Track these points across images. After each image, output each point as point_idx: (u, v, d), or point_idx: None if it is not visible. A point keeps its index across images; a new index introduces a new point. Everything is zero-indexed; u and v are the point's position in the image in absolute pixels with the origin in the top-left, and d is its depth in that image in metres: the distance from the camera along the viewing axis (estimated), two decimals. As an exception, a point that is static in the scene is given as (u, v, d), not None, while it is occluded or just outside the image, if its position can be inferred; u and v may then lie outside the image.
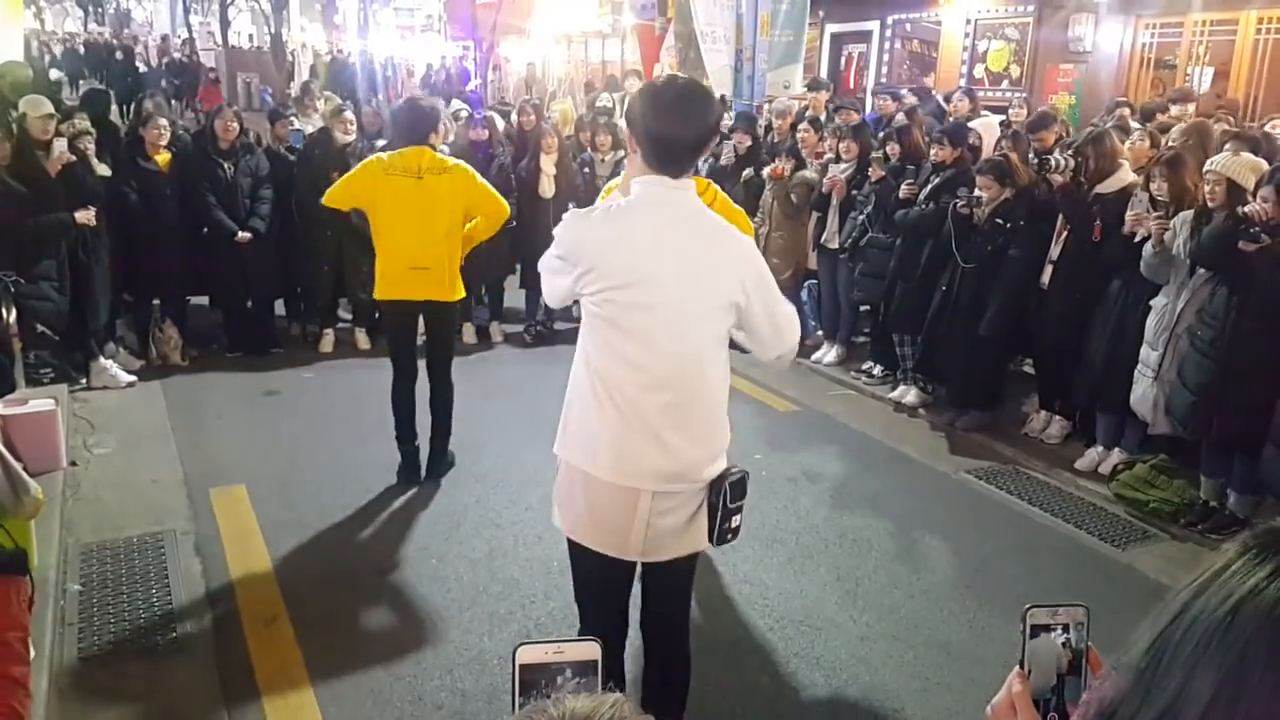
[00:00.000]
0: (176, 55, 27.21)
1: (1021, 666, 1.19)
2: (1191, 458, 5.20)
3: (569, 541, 2.83)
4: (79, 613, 4.03)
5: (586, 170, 8.19)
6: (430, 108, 5.21)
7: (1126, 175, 5.55)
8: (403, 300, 5.10)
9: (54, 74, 9.01)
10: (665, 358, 2.55)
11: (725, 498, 2.62)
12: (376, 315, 8.09)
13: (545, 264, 2.72)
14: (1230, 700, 0.74)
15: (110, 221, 6.64)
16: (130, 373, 6.83)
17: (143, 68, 26.13)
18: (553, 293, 2.78)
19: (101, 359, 6.73)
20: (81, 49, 29.59)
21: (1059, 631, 1.20)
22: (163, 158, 7.02)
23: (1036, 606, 1.21)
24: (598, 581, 2.85)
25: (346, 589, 4.30)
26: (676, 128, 2.51)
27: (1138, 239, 5.20)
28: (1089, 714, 0.92)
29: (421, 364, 5.32)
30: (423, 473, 5.37)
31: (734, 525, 2.69)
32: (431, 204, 4.93)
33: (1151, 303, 5.19)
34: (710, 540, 2.68)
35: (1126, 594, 4.35)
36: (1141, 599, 4.28)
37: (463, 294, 5.28)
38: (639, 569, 2.85)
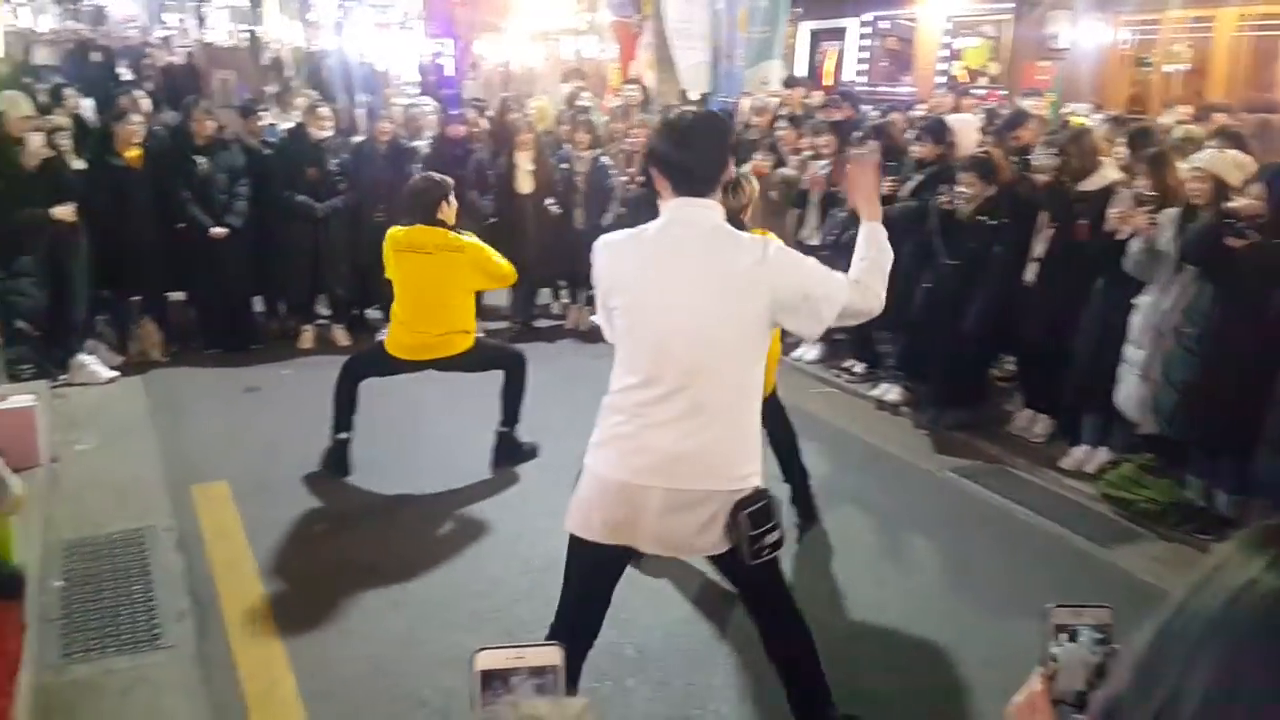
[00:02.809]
0: (174, 59, 24.79)
1: (1043, 666, 1.17)
2: (1179, 457, 5.11)
3: (571, 539, 2.96)
4: (60, 609, 3.99)
5: (565, 166, 8.17)
6: (437, 183, 5.31)
7: (1109, 173, 5.55)
8: (410, 360, 5.32)
9: (68, 94, 8.90)
10: (678, 368, 2.70)
11: (745, 529, 2.72)
12: (354, 311, 8.08)
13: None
14: (1228, 689, 0.75)
15: (88, 217, 6.57)
16: (110, 368, 6.77)
17: (125, 74, 23.68)
18: (602, 325, 2.97)
19: (81, 355, 6.67)
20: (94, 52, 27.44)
21: (1086, 633, 1.18)
22: (133, 154, 6.94)
23: (1060, 606, 1.19)
24: (589, 578, 3.01)
25: (329, 585, 4.27)
26: (687, 155, 2.73)
27: (1121, 236, 5.20)
28: (1096, 711, 0.93)
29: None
30: (351, 469, 5.43)
31: (768, 542, 2.77)
32: (443, 280, 5.15)
33: (1136, 300, 5.16)
34: (745, 560, 2.77)
35: (1113, 593, 4.34)
36: (1129, 598, 4.29)
37: (471, 343, 5.39)
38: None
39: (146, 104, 8.32)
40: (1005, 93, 10.66)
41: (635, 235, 2.82)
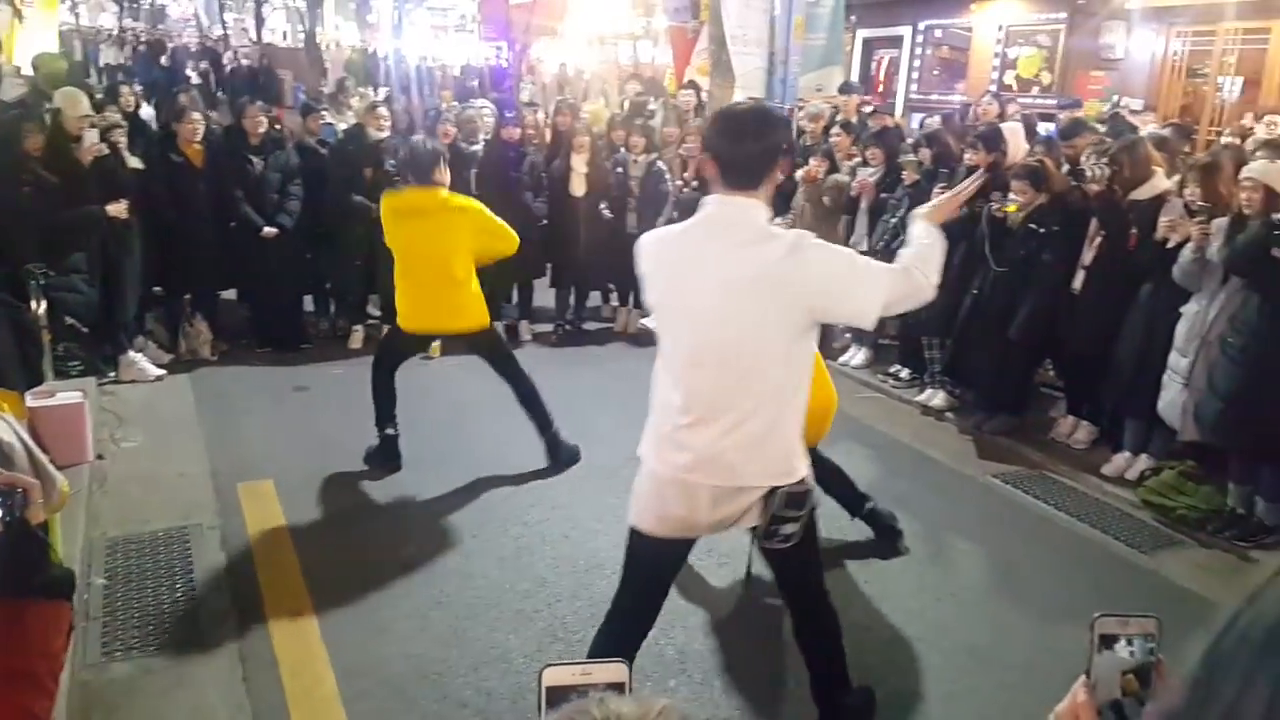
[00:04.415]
0: (245, 61, 22.74)
1: (1088, 676, 1.16)
2: (1220, 464, 5.13)
3: (631, 531, 3.03)
4: (103, 607, 4.04)
5: (619, 170, 8.19)
6: (430, 149, 5.32)
7: (1161, 182, 5.50)
8: (423, 333, 5.38)
9: (125, 91, 9.13)
10: (707, 370, 2.74)
11: (776, 505, 2.81)
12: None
13: None
14: None
15: (142, 215, 6.67)
16: (159, 366, 6.87)
17: (195, 77, 21.32)
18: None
19: (130, 352, 6.77)
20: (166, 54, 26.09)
21: (1125, 643, 1.17)
22: (194, 151, 7.06)
23: (1106, 615, 1.17)
24: (651, 568, 3.08)
25: (373, 584, 4.30)
26: (732, 146, 2.72)
27: (1170, 245, 5.15)
28: None
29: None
30: (398, 463, 5.49)
31: (784, 533, 2.87)
32: (445, 242, 5.13)
33: (1183, 309, 5.16)
34: (759, 537, 2.90)
35: (1154, 600, 4.31)
36: (1170, 605, 4.25)
37: (487, 321, 5.42)
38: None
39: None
40: (1054, 101, 10.55)
41: (670, 234, 2.89)
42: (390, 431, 5.46)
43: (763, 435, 2.76)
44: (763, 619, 4.13)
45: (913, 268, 2.77)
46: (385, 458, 5.46)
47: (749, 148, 2.71)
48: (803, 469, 2.87)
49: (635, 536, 3.01)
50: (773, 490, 2.81)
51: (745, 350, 2.70)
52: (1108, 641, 1.16)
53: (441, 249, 5.13)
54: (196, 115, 7.18)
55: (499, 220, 5.29)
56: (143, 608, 4.05)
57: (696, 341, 2.75)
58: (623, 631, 3.13)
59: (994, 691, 3.71)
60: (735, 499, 2.84)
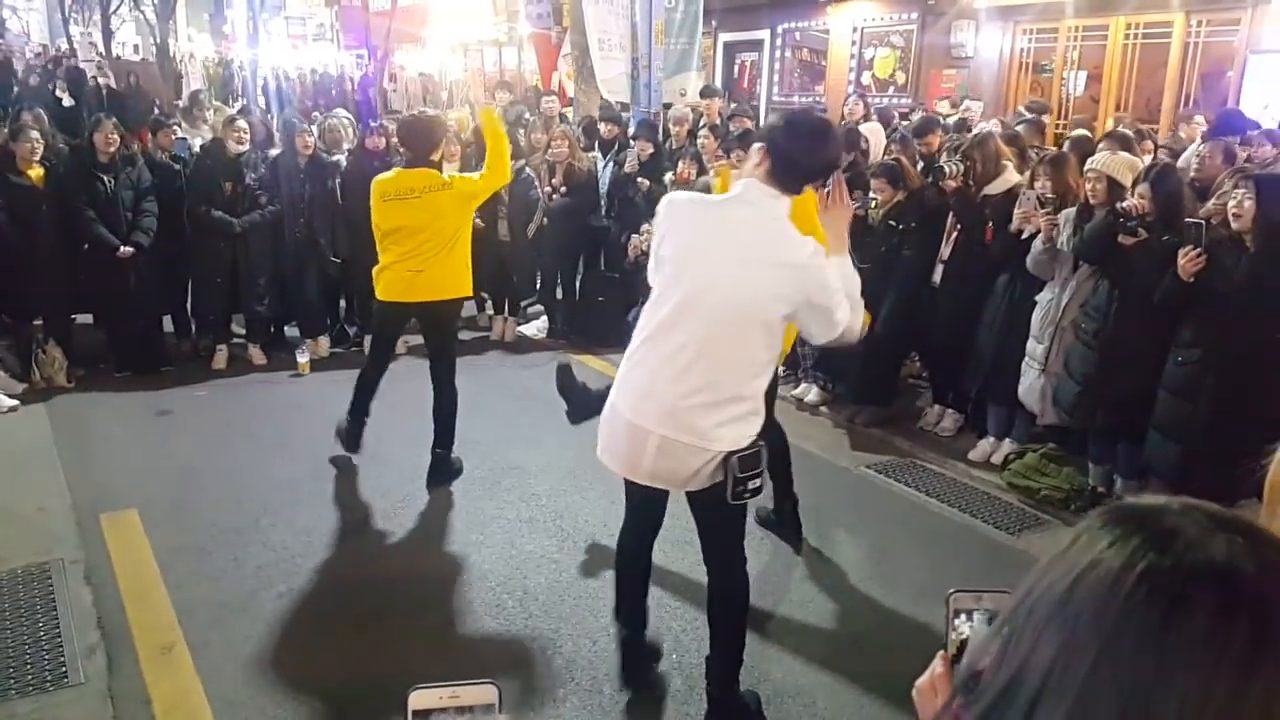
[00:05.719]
0: (105, 81, 19.21)
1: (945, 649, 1.20)
2: (1079, 445, 5.37)
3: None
4: (-44, 653, 3.81)
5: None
6: (434, 124, 5.24)
7: (1012, 176, 5.74)
8: (400, 302, 5.24)
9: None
10: (700, 324, 2.95)
11: (734, 470, 3.02)
12: (271, 330, 7.93)
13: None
14: (1064, 667, 0.77)
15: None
16: (12, 396, 6.52)
17: (67, 99, 17.64)
18: (650, 267, 3.18)
19: (-22, 384, 6.42)
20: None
21: (985, 615, 1.20)
22: (35, 172, 6.74)
23: (960, 591, 1.21)
24: (633, 493, 3.42)
25: (246, 613, 4.16)
26: (795, 149, 2.96)
27: (1024, 236, 5.38)
28: (955, 685, 0.96)
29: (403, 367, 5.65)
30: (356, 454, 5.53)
31: (751, 488, 3.08)
32: (430, 218, 5.06)
33: (1037, 298, 5.40)
34: (729, 498, 3.07)
35: (1022, 578, 4.46)
36: (1036, 584, 4.43)
37: (468, 291, 5.39)
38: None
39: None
40: (907, 101, 10.91)
41: (703, 198, 3.23)
42: (358, 420, 5.48)
43: (728, 401, 2.99)
44: (653, 624, 4.15)
45: (854, 306, 3.07)
46: (349, 442, 5.48)
47: (811, 159, 2.98)
48: (754, 436, 3.06)
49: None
50: (729, 455, 3.00)
51: (744, 318, 2.94)
52: (961, 615, 1.20)
53: (429, 224, 5.05)
54: (35, 134, 6.82)
55: (482, 172, 5.25)
56: (1, 650, 3.84)
57: (703, 300, 2.94)
58: (627, 553, 3.63)
59: (876, 678, 3.79)
60: (682, 455, 3.03)
